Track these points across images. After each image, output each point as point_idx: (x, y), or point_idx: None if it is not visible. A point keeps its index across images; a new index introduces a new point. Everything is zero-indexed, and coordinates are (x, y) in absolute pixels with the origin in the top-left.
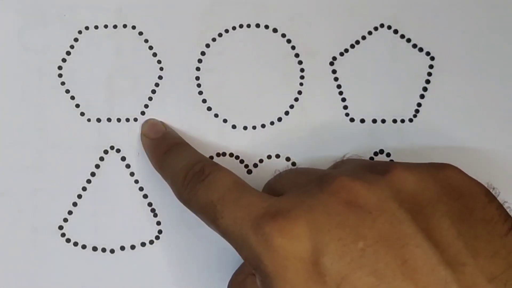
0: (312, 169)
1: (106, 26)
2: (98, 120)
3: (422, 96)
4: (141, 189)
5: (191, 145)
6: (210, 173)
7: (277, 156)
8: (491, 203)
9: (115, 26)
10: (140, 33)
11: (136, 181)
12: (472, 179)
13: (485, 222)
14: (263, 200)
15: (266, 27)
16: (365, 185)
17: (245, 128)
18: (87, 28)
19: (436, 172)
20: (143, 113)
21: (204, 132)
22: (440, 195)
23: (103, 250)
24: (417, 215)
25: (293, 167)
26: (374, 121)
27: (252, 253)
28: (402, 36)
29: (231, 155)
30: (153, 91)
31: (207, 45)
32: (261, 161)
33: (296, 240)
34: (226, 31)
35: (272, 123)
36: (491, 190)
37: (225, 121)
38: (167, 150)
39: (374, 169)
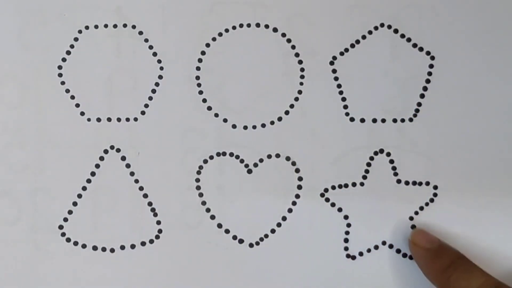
0: None
1: (106, 26)
2: (98, 120)
3: (422, 96)
4: (141, 188)
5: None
6: None
7: (277, 155)
8: None
9: (115, 26)
10: (140, 33)
11: (136, 181)
12: None
13: None
14: None
15: (266, 27)
16: None
17: (245, 127)
18: (87, 27)
19: None
20: (143, 113)
21: (204, 132)
22: None
23: (103, 249)
24: None
25: None
26: (374, 121)
27: None
28: (402, 36)
29: (231, 154)
30: (153, 91)
31: (207, 45)
32: (261, 160)
33: None
34: (226, 30)
35: (272, 122)
36: None
37: (225, 121)
38: (450, 264)
39: None
